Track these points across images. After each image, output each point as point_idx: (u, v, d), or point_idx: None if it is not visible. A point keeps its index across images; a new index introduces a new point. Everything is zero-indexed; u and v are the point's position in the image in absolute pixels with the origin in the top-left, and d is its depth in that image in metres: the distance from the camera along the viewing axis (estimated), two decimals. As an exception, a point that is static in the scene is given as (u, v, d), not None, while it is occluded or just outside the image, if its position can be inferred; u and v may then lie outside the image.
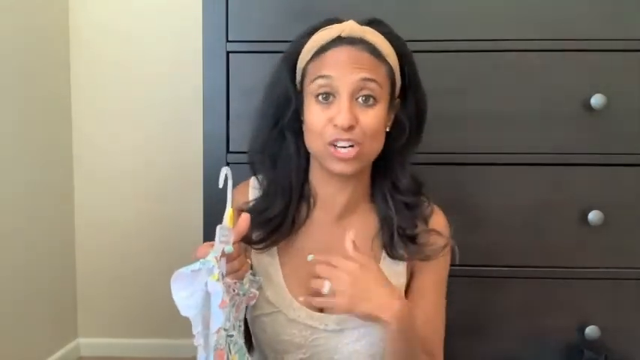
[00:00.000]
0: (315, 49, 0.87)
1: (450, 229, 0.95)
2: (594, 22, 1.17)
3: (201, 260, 0.74)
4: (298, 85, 0.91)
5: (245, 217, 0.79)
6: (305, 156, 0.93)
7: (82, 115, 1.94)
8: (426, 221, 0.93)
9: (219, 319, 0.72)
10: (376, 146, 0.87)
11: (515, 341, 1.24)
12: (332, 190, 0.92)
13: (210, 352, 0.75)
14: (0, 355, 1.58)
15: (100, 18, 1.90)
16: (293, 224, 0.93)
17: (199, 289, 0.73)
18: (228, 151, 1.21)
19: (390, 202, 0.92)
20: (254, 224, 0.89)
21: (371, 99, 0.84)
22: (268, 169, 0.94)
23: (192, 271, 0.73)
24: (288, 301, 0.90)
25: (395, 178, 0.92)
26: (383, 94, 0.86)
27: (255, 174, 0.98)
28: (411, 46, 1.15)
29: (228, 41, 1.19)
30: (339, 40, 0.86)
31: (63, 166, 1.92)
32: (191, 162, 1.72)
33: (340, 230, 0.91)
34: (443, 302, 0.96)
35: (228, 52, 1.19)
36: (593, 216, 1.18)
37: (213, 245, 0.75)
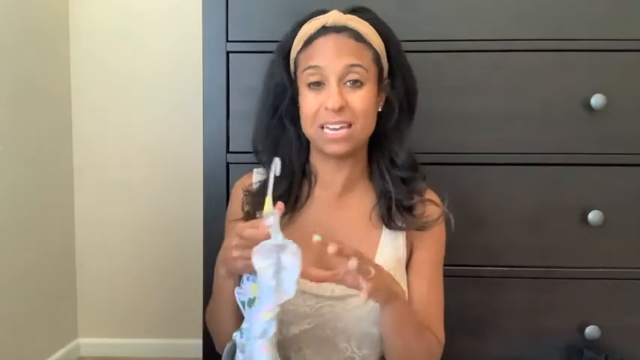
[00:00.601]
0: (303, 40, 0.93)
1: (443, 204, 0.99)
2: (594, 22, 1.17)
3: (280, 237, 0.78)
4: (293, 75, 0.97)
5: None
6: (305, 139, 0.98)
7: (82, 114, 1.94)
8: (421, 194, 0.97)
9: (289, 292, 0.77)
10: (367, 125, 0.92)
11: (515, 341, 1.24)
12: (330, 170, 0.98)
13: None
14: (0, 355, 1.58)
15: (100, 18, 1.90)
16: (296, 203, 0.98)
17: (274, 263, 0.78)
18: (228, 151, 1.21)
19: (387, 177, 0.96)
20: (259, 203, 0.93)
21: (358, 82, 0.90)
22: (271, 154, 0.98)
23: (276, 245, 0.78)
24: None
25: (393, 154, 0.97)
26: (370, 77, 0.91)
27: (259, 161, 1.03)
28: (411, 46, 1.16)
29: (228, 41, 1.19)
30: (324, 30, 0.91)
31: (63, 165, 1.92)
32: (191, 162, 1.72)
33: (340, 207, 0.99)
34: (441, 279, 1.00)
35: (228, 52, 1.19)
36: (593, 216, 1.18)
37: (254, 226, 0.80)
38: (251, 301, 0.85)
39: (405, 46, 1.17)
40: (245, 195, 0.99)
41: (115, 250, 1.98)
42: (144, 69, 1.91)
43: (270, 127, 0.99)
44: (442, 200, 0.99)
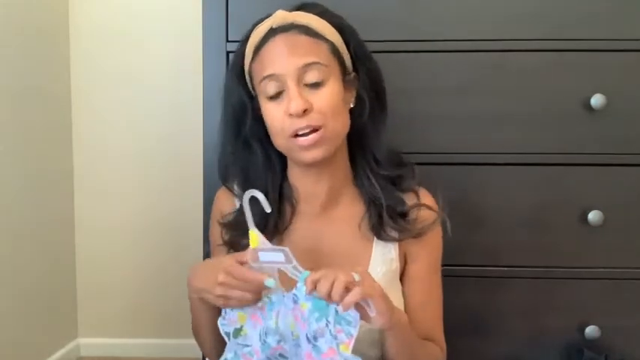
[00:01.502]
0: (252, 49, 0.87)
1: (438, 204, 0.94)
2: (594, 22, 1.17)
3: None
4: (251, 89, 0.90)
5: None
6: (276, 157, 0.92)
7: (82, 115, 1.94)
8: (416, 193, 0.92)
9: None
10: (340, 124, 0.85)
11: (515, 341, 1.24)
12: (310, 182, 0.91)
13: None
14: (0, 355, 1.58)
15: (100, 18, 1.90)
16: (277, 226, 0.91)
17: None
18: (228, 151, 1.21)
19: (374, 180, 0.90)
20: (237, 235, 0.91)
21: (318, 82, 0.83)
22: (242, 181, 0.93)
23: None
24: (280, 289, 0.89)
25: (373, 152, 0.90)
26: (331, 72, 0.84)
27: (230, 190, 0.97)
28: (411, 46, 1.16)
29: (228, 41, 1.19)
30: (272, 32, 0.85)
31: (63, 166, 1.92)
32: (191, 162, 1.72)
33: (327, 221, 0.93)
34: (439, 284, 0.96)
35: (228, 52, 1.19)
36: (593, 216, 1.18)
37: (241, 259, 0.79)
38: (237, 331, 0.82)
39: (405, 46, 1.18)
40: (222, 226, 0.95)
41: (115, 250, 1.98)
42: (144, 69, 1.91)
43: (236, 152, 0.92)
44: (437, 201, 0.95)
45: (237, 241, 0.92)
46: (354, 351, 0.75)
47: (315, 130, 0.82)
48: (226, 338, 0.83)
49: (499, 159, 1.20)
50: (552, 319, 1.23)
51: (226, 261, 0.79)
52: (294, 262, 0.77)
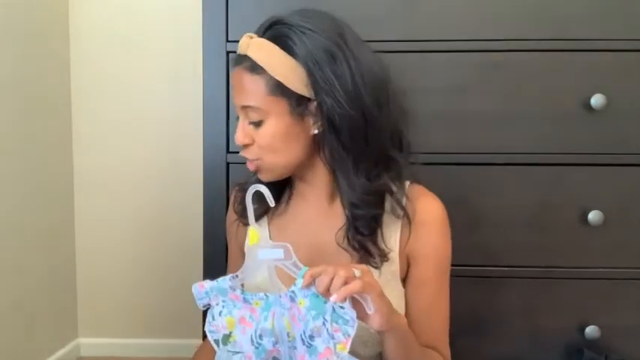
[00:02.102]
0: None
1: (444, 214, 0.91)
2: (594, 22, 1.17)
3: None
4: None
5: None
6: None
7: (82, 115, 1.93)
8: (407, 215, 0.88)
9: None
10: (280, 159, 0.86)
11: (515, 341, 1.24)
12: (302, 185, 0.94)
13: None
14: (0, 355, 1.58)
15: (100, 18, 1.90)
16: (276, 210, 0.94)
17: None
18: (228, 151, 1.21)
19: (348, 212, 0.87)
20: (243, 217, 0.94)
21: (255, 121, 0.85)
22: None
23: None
24: (277, 287, 0.89)
25: (346, 193, 0.86)
26: (270, 111, 0.83)
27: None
28: (411, 46, 1.16)
29: (228, 41, 1.19)
30: (234, 60, 0.87)
31: (63, 166, 1.92)
32: (191, 162, 1.72)
33: (320, 218, 0.92)
34: (446, 291, 0.92)
35: (228, 52, 1.19)
36: (593, 216, 1.18)
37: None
38: (226, 338, 0.80)
39: (405, 46, 1.18)
40: (237, 191, 0.98)
41: (115, 250, 1.98)
42: (144, 69, 1.91)
43: None
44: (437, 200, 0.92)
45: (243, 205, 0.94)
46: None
47: (253, 161, 0.87)
48: (215, 346, 0.81)
49: (499, 159, 1.20)
50: (552, 319, 1.23)
51: None
52: (294, 259, 0.76)
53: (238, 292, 0.80)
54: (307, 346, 0.76)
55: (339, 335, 0.74)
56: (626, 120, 1.18)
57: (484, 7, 1.18)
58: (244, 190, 0.88)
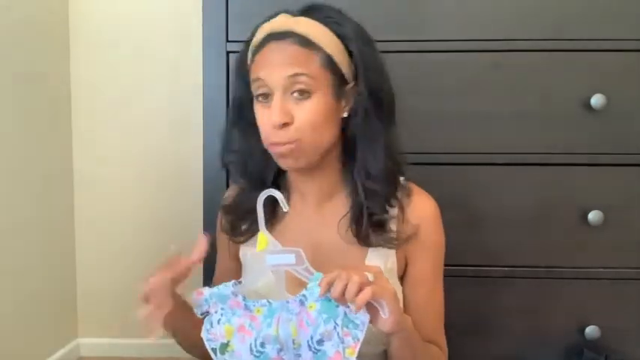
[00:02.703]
0: (252, 50, 0.88)
1: (437, 211, 0.93)
2: (594, 22, 1.17)
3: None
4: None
5: (203, 240, 0.81)
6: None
7: (82, 114, 1.93)
8: (401, 206, 0.90)
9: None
10: (318, 139, 0.85)
11: (515, 341, 1.24)
12: (303, 180, 0.92)
13: None
14: (0, 355, 1.58)
15: (100, 17, 1.90)
16: (274, 214, 0.92)
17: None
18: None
19: (361, 189, 0.88)
20: (235, 219, 0.93)
21: (305, 92, 0.82)
22: (242, 164, 0.95)
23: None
24: (283, 293, 0.89)
25: (366, 166, 0.88)
26: (319, 85, 0.83)
27: (228, 174, 1.01)
28: (411, 46, 1.16)
29: (228, 41, 1.19)
30: (268, 38, 0.85)
31: (63, 166, 1.92)
32: (191, 162, 1.72)
33: (321, 218, 0.92)
34: (441, 287, 0.96)
35: (228, 52, 1.19)
36: (593, 216, 1.18)
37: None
38: (224, 347, 0.79)
39: (406, 46, 1.18)
40: (221, 210, 0.96)
41: (115, 250, 1.98)
42: (144, 69, 1.91)
43: (239, 137, 0.93)
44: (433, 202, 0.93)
45: (235, 225, 0.94)
46: None
47: (290, 142, 0.83)
48: (213, 355, 0.80)
49: (499, 159, 1.20)
50: (552, 319, 1.23)
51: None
52: (306, 264, 0.76)
53: (240, 298, 0.79)
54: (314, 352, 0.76)
55: (348, 339, 0.74)
56: (626, 120, 1.18)
57: (484, 7, 1.18)
58: (231, 214, 0.92)
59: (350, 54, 0.86)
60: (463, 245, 1.15)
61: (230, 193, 0.99)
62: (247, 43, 0.90)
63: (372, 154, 0.87)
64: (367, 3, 1.16)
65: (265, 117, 0.84)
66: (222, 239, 0.99)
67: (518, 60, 1.18)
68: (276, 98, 0.82)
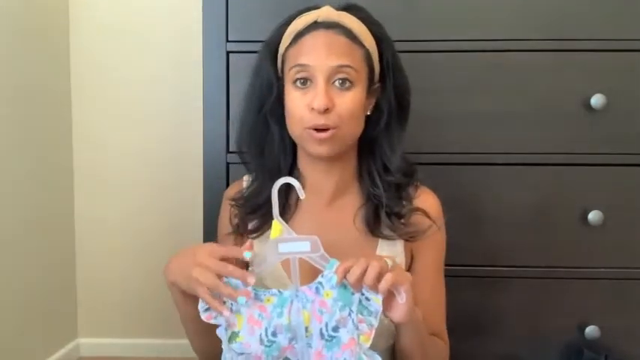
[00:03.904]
0: (293, 35, 0.89)
1: (441, 208, 0.96)
2: (594, 22, 1.17)
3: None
4: (280, 72, 0.92)
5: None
6: (290, 143, 0.94)
7: (82, 114, 1.94)
8: (411, 201, 0.93)
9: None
10: (353, 129, 0.88)
11: (515, 341, 1.24)
12: (319, 174, 0.93)
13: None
14: (0, 355, 1.58)
15: (100, 16, 1.90)
16: (285, 209, 0.93)
17: None
18: (228, 151, 1.21)
19: (378, 182, 0.92)
20: (247, 212, 0.93)
21: (347, 82, 0.85)
22: (256, 155, 0.95)
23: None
24: (287, 282, 0.89)
25: (385, 159, 0.92)
26: (359, 78, 0.87)
27: (244, 163, 0.99)
28: (411, 46, 1.16)
29: (228, 41, 1.19)
30: (315, 25, 0.87)
31: (63, 166, 1.92)
32: (191, 162, 1.72)
33: (332, 215, 0.94)
34: (442, 281, 0.99)
35: (228, 52, 1.19)
36: (593, 216, 1.18)
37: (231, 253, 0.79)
38: (234, 335, 0.79)
39: (405, 46, 1.17)
40: (232, 206, 0.96)
41: (115, 250, 1.98)
42: (144, 69, 1.91)
43: (254, 127, 0.94)
44: (440, 202, 0.96)
45: (245, 220, 0.94)
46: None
47: (329, 129, 0.85)
48: (223, 340, 0.80)
49: (499, 159, 1.20)
50: (552, 319, 1.23)
51: (206, 246, 0.80)
52: (322, 251, 0.76)
53: (250, 288, 0.79)
54: (327, 340, 0.76)
55: (363, 326, 0.75)
56: (626, 120, 1.18)
57: (484, 7, 1.18)
58: (241, 207, 0.93)
59: (380, 55, 0.90)
60: (463, 245, 1.15)
61: (237, 189, 0.99)
62: (280, 29, 0.91)
63: (391, 150, 0.91)
64: (367, 3, 1.16)
65: (303, 101, 0.86)
66: (227, 240, 0.98)
67: (518, 60, 1.18)
68: (321, 83, 0.84)
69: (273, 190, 0.79)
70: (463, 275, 1.21)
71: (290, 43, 0.89)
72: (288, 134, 0.92)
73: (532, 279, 1.22)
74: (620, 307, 1.22)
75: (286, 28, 0.91)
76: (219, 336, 0.80)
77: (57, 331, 1.91)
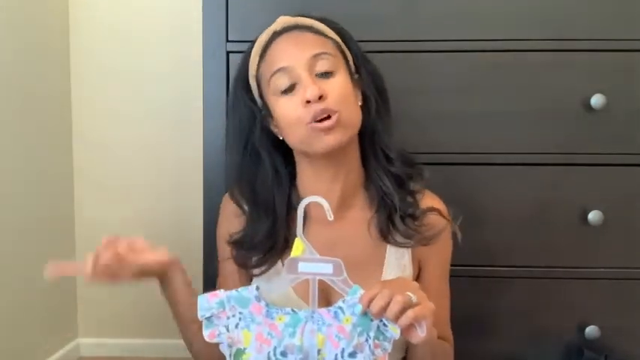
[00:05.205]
0: (259, 52, 0.90)
1: (447, 210, 0.96)
2: (594, 22, 1.17)
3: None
4: (258, 98, 0.92)
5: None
6: (285, 170, 0.93)
7: (82, 113, 1.93)
8: (417, 198, 0.93)
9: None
10: (352, 114, 0.87)
11: (515, 341, 1.24)
12: (324, 184, 0.91)
13: None
14: (0, 355, 1.58)
15: (100, 16, 1.90)
16: (286, 240, 0.90)
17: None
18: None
19: (385, 179, 0.91)
20: (247, 251, 0.91)
21: (328, 72, 0.86)
22: (249, 194, 0.93)
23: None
24: (296, 306, 0.87)
25: (384, 149, 0.92)
26: (338, 64, 0.88)
27: (238, 206, 0.96)
28: (411, 46, 1.16)
29: (228, 41, 1.19)
30: (276, 34, 0.89)
31: (62, 165, 1.92)
32: (191, 161, 1.72)
33: (339, 225, 0.91)
34: (448, 285, 1.00)
35: (228, 52, 1.19)
36: (593, 216, 1.18)
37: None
38: (240, 353, 0.78)
39: (405, 46, 1.18)
40: (229, 245, 0.94)
41: (115, 250, 1.98)
42: (144, 69, 1.91)
43: (242, 167, 0.93)
44: (446, 206, 0.97)
45: (244, 260, 0.92)
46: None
47: (331, 115, 0.84)
48: (226, 355, 0.79)
49: (499, 159, 1.20)
50: (552, 319, 1.22)
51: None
52: (344, 275, 0.75)
53: (263, 303, 0.78)
54: None
55: (378, 351, 0.76)
56: (626, 120, 1.18)
57: (484, 7, 1.18)
58: (240, 248, 0.91)
59: (348, 49, 0.92)
60: (463, 245, 1.14)
61: (229, 219, 0.97)
62: (244, 60, 0.92)
63: (387, 137, 0.92)
64: (367, 3, 1.16)
65: (295, 102, 0.85)
66: (225, 266, 0.97)
67: (518, 60, 1.18)
68: (305, 76, 0.84)
69: (299, 209, 0.78)
70: (463, 275, 1.20)
71: (259, 61, 0.90)
72: (280, 163, 0.91)
73: (532, 279, 1.22)
74: (620, 307, 1.22)
75: (249, 57, 0.91)
76: (223, 352, 0.79)
77: (57, 331, 1.91)
